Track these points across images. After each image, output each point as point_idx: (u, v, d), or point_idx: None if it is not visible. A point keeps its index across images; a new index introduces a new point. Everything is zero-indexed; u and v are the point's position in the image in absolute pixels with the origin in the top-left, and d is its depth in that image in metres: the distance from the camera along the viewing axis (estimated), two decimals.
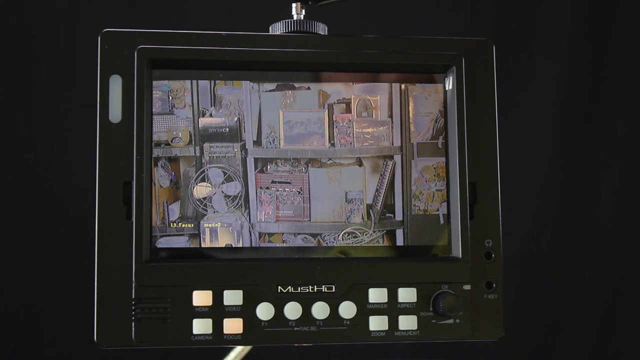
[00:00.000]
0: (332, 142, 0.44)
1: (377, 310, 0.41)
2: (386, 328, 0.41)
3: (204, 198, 0.43)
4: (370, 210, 0.44)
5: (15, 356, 0.76)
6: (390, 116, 0.44)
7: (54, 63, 0.76)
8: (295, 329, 0.41)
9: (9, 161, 0.75)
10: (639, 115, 0.86)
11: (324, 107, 0.44)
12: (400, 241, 0.44)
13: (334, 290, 0.41)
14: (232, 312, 0.41)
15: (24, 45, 0.76)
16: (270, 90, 0.43)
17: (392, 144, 0.44)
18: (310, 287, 0.41)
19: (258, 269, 0.41)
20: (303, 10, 0.46)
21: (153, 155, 0.42)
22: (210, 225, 0.42)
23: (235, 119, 0.43)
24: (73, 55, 0.75)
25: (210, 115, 0.43)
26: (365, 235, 0.43)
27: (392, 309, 0.42)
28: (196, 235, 0.42)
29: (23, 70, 0.76)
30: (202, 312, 0.40)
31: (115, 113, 0.41)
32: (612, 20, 0.87)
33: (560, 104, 0.86)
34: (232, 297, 0.41)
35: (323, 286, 0.41)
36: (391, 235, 0.44)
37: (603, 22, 0.86)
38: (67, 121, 0.75)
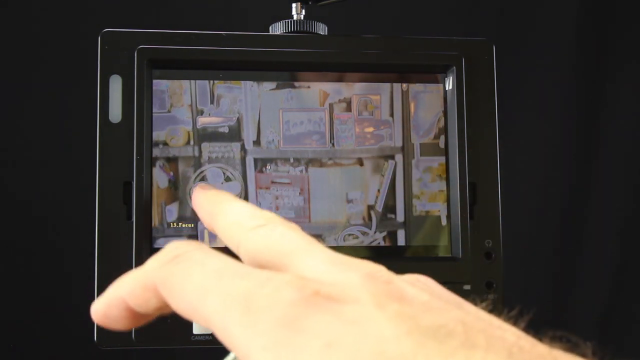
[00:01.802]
0: (333, 142, 0.43)
1: None
2: None
3: None
4: (371, 211, 0.43)
5: (15, 356, 0.76)
6: (392, 116, 0.44)
7: (53, 63, 0.76)
8: None
9: (9, 161, 0.75)
10: None
11: (324, 107, 0.44)
12: (401, 242, 0.44)
13: None
14: None
15: (23, 45, 0.76)
16: (270, 90, 0.43)
17: (394, 144, 0.44)
18: None
19: None
20: (303, 11, 0.46)
21: (152, 156, 0.42)
22: None
23: (235, 118, 0.43)
24: (73, 55, 0.75)
25: (209, 115, 0.43)
26: (366, 236, 0.43)
27: None
28: (195, 236, 0.42)
29: (23, 70, 0.76)
30: None
31: (115, 113, 0.41)
32: (613, 20, 0.87)
33: (561, 104, 0.86)
34: None
35: None
36: (392, 236, 0.44)
37: (605, 22, 0.86)
38: (67, 121, 0.75)
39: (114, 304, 0.25)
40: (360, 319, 0.19)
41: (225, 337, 0.21)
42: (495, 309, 0.23)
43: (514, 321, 0.23)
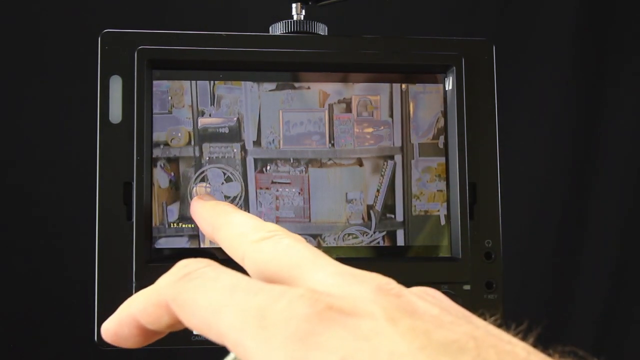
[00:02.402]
0: (332, 142, 0.44)
1: None
2: None
3: None
4: (371, 211, 0.44)
5: (15, 356, 0.76)
6: (391, 116, 0.44)
7: (54, 63, 0.76)
8: None
9: (9, 161, 0.75)
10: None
11: (324, 107, 0.44)
12: (400, 241, 0.44)
13: None
14: None
15: (24, 45, 0.76)
16: (270, 90, 0.43)
17: (393, 144, 0.44)
18: None
19: None
20: (303, 11, 0.46)
21: (152, 156, 0.42)
22: None
23: (235, 119, 0.43)
24: (73, 55, 0.75)
25: (210, 116, 0.43)
26: (366, 235, 0.43)
27: None
28: (195, 236, 0.42)
29: (23, 71, 0.76)
30: None
31: (115, 113, 0.41)
32: (613, 20, 0.87)
33: (561, 104, 0.86)
34: None
35: None
36: (392, 235, 0.44)
37: (605, 22, 0.86)
38: (68, 121, 0.75)
39: (125, 322, 0.26)
40: (373, 334, 0.20)
41: (240, 352, 0.21)
42: (503, 323, 0.23)
43: (523, 336, 0.23)
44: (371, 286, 0.22)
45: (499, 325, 0.23)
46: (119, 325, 0.26)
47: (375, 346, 0.19)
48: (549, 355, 0.21)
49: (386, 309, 0.21)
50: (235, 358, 0.26)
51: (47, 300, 0.75)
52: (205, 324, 0.22)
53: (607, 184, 0.86)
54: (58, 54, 0.76)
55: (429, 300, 0.23)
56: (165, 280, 0.24)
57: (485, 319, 0.23)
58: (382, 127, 0.44)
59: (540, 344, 0.22)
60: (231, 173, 0.43)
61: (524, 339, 0.22)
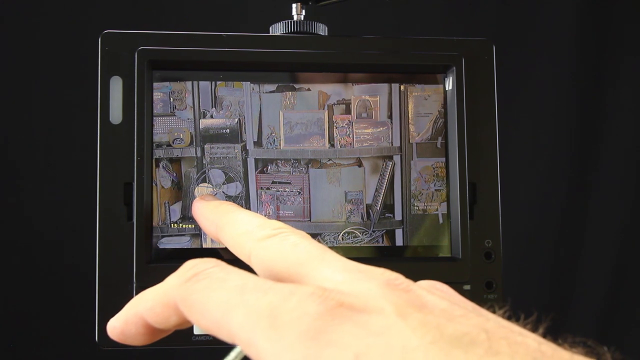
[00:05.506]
0: (332, 142, 0.44)
1: None
2: None
3: None
4: (370, 210, 0.44)
5: (15, 356, 0.76)
6: (390, 117, 0.44)
7: (54, 64, 0.76)
8: None
9: (9, 161, 0.75)
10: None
11: (323, 108, 0.44)
12: (399, 241, 0.44)
13: None
14: None
15: (24, 46, 0.76)
16: (270, 92, 0.43)
17: (392, 145, 0.44)
18: None
19: None
20: (303, 11, 0.46)
21: (155, 157, 0.42)
22: None
23: (236, 120, 0.43)
24: (74, 56, 0.75)
25: (211, 117, 0.43)
26: (365, 235, 0.44)
27: None
28: (197, 235, 0.42)
29: (24, 71, 0.76)
30: None
31: (116, 114, 0.41)
32: (613, 20, 0.87)
33: (561, 104, 0.86)
34: None
35: None
36: (391, 234, 0.44)
37: (605, 22, 0.86)
38: (68, 122, 0.75)
39: (132, 321, 0.26)
40: (385, 330, 0.20)
41: (252, 352, 0.21)
42: (512, 315, 0.23)
43: (532, 327, 0.23)
44: (380, 282, 0.22)
45: (508, 318, 0.23)
46: (126, 324, 0.26)
47: (387, 342, 0.19)
48: (559, 345, 0.21)
49: (396, 304, 0.21)
50: (236, 357, 0.26)
51: (47, 301, 0.75)
52: (215, 324, 0.22)
53: (607, 184, 0.86)
54: (58, 55, 0.76)
55: (437, 294, 0.23)
56: (173, 281, 0.24)
57: (494, 312, 0.23)
58: (380, 128, 0.44)
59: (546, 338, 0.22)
60: (232, 173, 0.43)
61: (533, 331, 0.22)
